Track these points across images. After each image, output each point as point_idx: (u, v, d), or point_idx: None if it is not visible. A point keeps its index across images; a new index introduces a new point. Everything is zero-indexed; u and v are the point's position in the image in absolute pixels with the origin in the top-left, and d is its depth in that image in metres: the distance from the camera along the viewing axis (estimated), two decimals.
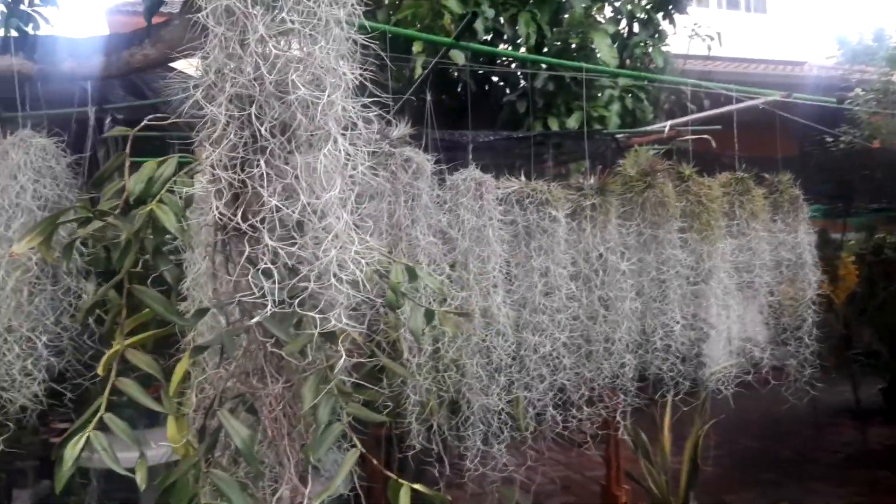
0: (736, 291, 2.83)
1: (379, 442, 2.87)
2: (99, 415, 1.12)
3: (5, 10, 4.58)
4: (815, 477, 5.99)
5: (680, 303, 2.51)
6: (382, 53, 1.20)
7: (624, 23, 5.95)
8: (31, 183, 1.81)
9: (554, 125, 5.28)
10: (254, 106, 1.01)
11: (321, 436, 1.24)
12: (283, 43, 1.00)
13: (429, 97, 2.35)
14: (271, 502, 1.28)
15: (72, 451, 1.07)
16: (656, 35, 5.85)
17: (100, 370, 1.51)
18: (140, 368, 1.38)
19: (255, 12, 0.98)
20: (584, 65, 2.79)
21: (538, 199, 2.19)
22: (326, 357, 1.24)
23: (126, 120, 2.92)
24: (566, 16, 5.52)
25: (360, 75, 1.13)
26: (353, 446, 1.28)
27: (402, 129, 1.91)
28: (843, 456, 6.56)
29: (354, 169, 1.09)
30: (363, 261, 1.05)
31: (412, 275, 1.28)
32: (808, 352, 2.97)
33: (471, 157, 2.16)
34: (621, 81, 5.38)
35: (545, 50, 5.45)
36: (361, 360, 1.47)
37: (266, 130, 1.01)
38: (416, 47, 4.55)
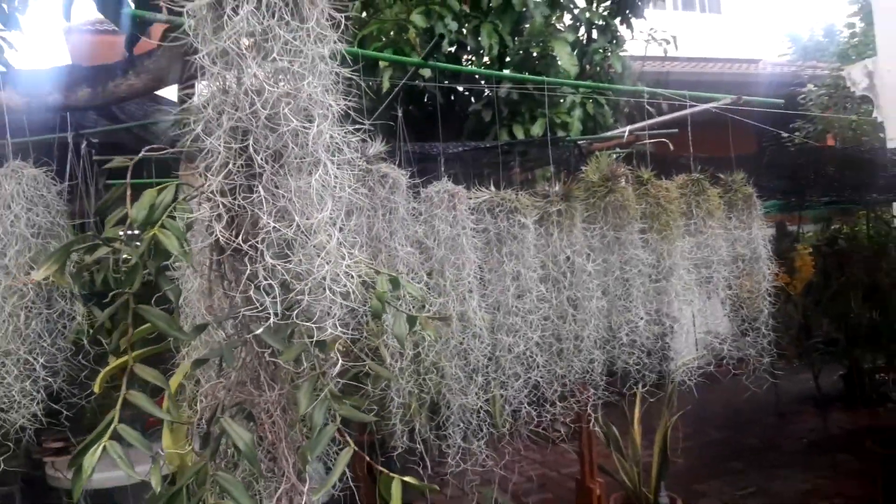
0: (696, 287, 2.97)
1: (362, 447, 2.96)
2: (113, 426, 1.21)
3: None
4: (781, 464, 6.20)
5: (643, 300, 2.64)
6: (356, 77, 1.30)
7: (583, 30, 6.13)
8: (25, 212, 1.89)
9: (519, 133, 5.43)
10: (249, 137, 1.11)
11: (317, 437, 1.34)
12: (273, 80, 1.11)
13: (399, 113, 2.46)
14: (272, 502, 1.37)
15: (90, 460, 1.15)
16: (614, 41, 6.03)
17: (96, 388, 1.59)
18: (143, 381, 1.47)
19: (248, 54, 1.08)
20: (546, 78, 2.91)
21: (508, 208, 2.32)
22: (319, 364, 1.35)
23: (101, 143, 2.98)
24: (527, 26, 5.67)
25: (344, 101, 1.24)
26: (347, 446, 1.38)
27: (377, 146, 2.02)
28: (807, 442, 6.79)
29: (343, 190, 1.20)
30: (353, 274, 1.16)
31: (396, 284, 1.39)
32: (766, 342, 3.13)
33: (443, 169, 2.27)
34: (582, 88, 5.55)
35: (508, 59, 5.60)
36: (347, 366, 1.59)
37: (261, 159, 1.11)
38: (383, 62, 4.66)
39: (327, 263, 1.12)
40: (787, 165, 4.45)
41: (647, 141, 3.65)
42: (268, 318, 1.22)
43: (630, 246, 2.61)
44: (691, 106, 3.22)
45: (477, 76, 5.87)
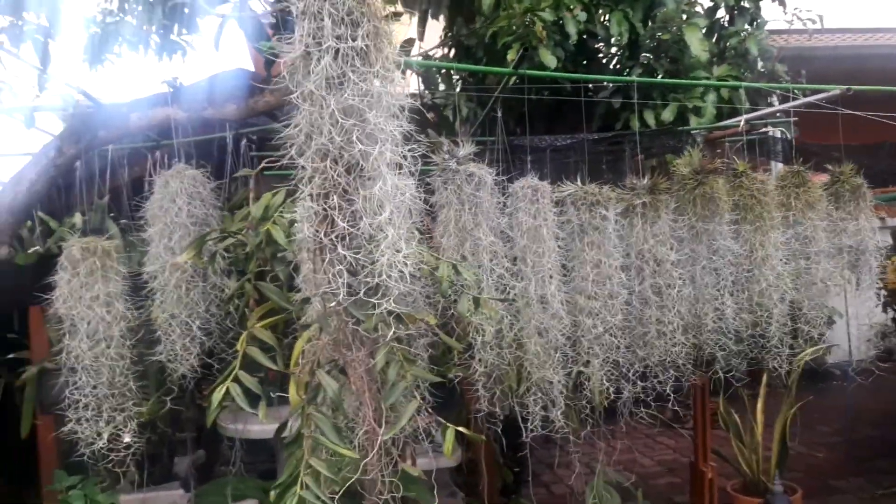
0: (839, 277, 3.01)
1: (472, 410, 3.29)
2: (234, 372, 1.62)
3: (159, 40, 5.37)
4: None
5: (732, 289, 2.75)
6: (409, 90, 1.61)
7: (722, 12, 5.99)
8: (186, 205, 2.40)
9: (650, 119, 5.47)
10: (329, 157, 1.46)
11: (390, 390, 1.69)
12: (346, 113, 1.45)
13: (499, 113, 2.74)
14: (356, 438, 1.74)
15: (217, 395, 1.57)
16: (754, 23, 5.86)
17: (239, 346, 2.04)
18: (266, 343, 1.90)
19: (327, 94, 1.43)
20: (635, 78, 3.05)
21: (590, 201, 2.53)
22: (394, 330, 1.68)
23: (260, 139, 3.48)
24: (663, 10, 5.65)
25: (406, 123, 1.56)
26: (414, 399, 1.71)
27: (467, 148, 2.32)
28: None
29: (403, 195, 1.53)
30: (407, 262, 1.48)
31: (456, 271, 1.70)
32: (871, 334, 3.10)
33: (529, 165, 2.53)
34: (717, 71, 5.48)
35: (640, 46, 5.63)
36: (436, 337, 1.93)
37: (336, 174, 1.46)
38: (511, 55, 4.90)
39: (387, 253, 1.45)
40: None
41: (765, 130, 3.66)
42: (352, 295, 1.58)
43: (719, 236, 2.72)
44: (794, 98, 3.22)
45: (607, 60, 5.95)
